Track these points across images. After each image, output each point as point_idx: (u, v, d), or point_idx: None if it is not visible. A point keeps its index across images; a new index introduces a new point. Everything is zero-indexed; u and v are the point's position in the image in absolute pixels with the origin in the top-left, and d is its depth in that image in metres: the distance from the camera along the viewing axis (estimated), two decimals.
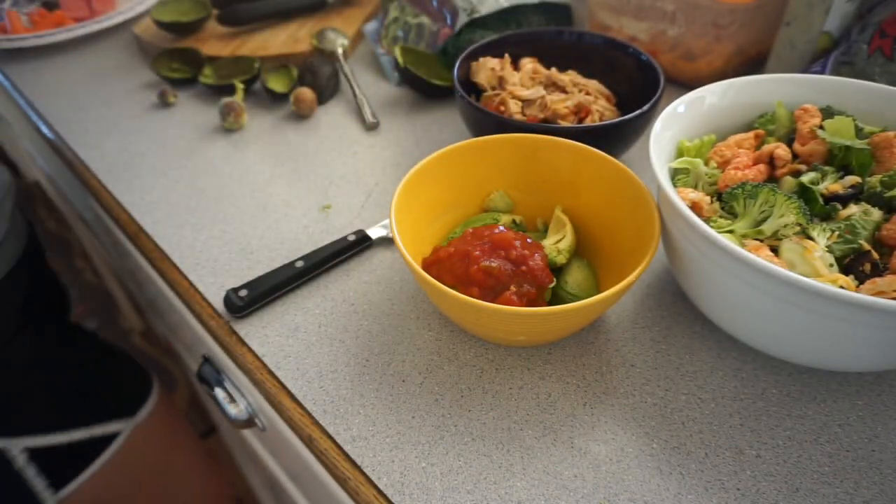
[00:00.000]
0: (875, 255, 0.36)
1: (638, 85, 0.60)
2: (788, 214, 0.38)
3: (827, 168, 0.41)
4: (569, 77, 0.60)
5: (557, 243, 0.45)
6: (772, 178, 0.43)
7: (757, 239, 0.38)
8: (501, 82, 0.60)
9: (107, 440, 0.76)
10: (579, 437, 0.39)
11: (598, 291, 0.45)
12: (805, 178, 0.40)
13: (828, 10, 0.57)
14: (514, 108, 0.57)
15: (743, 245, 0.38)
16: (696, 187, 0.43)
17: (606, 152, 0.46)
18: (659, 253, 0.52)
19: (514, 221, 0.49)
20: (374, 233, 0.52)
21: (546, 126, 0.51)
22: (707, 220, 0.40)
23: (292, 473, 0.76)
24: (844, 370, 0.39)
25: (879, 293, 0.34)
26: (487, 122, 0.54)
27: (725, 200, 0.41)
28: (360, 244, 0.51)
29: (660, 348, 0.44)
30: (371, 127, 0.67)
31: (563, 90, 0.59)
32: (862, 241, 0.37)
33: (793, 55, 0.61)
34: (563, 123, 0.55)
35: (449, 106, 0.71)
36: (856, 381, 0.41)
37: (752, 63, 0.68)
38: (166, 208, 0.58)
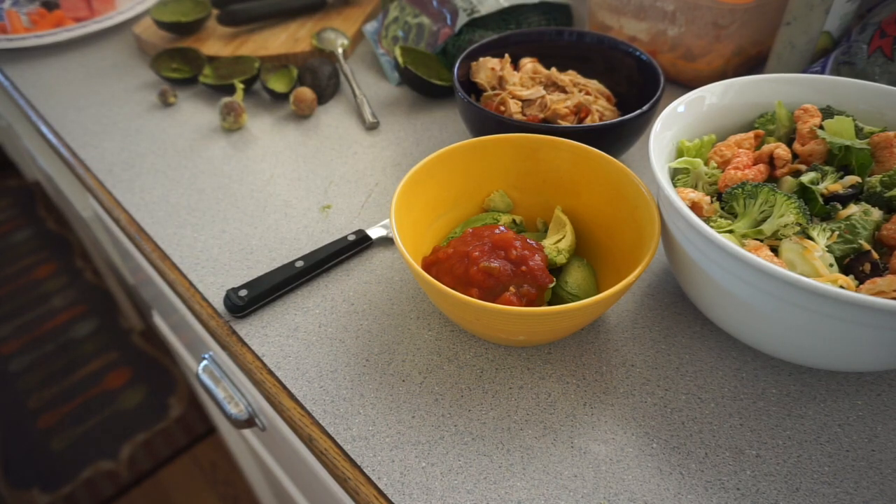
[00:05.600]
0: (875, 255, 0.36)
1: (638, 85, 0.60)
2: (788, 214, 0.38)
3: (827, 168, 0.41)
4: (569, 77, 0.60)
5: (557, 243, 0.45)
6: (772, 178, 0.43)
7: (757, 239, 0.38)
8: (501, 82, 0.60)
9: None
10: (579, 437, 0.39)
11: (598, 291, 0.45)
12: (805, 178, 0.40)
13: (828, 10, 0.57)
14: (514, 108, 0.57)
15: (743, 245, 0.38)
16: (696, 187, 0.43)
17: (606, 152, 0.46)
18: (659, 253, 0.52)
19: (514, 221, 0.49)
20: (374, 233, 0.52)
21: (546, 126, 0.51)
22: (707, 220, 0.40)
23: (292, 473, 0.76)
24: (844, 370, 0.39)
25: (879, 293, 0.34)
26: (487, 122, 0.54)
27: (725, 200, 0.41)
28: (360, 244, 0.51)
29: (660, 348, 0.44)
30: (371, 127, 0.67)
31: (563, 90, 0.59)
32: (862, 241, 0.37)
33: (793, 55, 0.61)
34: (563, 123, 0.55)
35: (449, 106, 0.71)
36: (856, 381, 0.41)
37: (752, 63, 0.68)
38: (166, 208, 0.58)
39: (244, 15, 0.80)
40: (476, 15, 0.70)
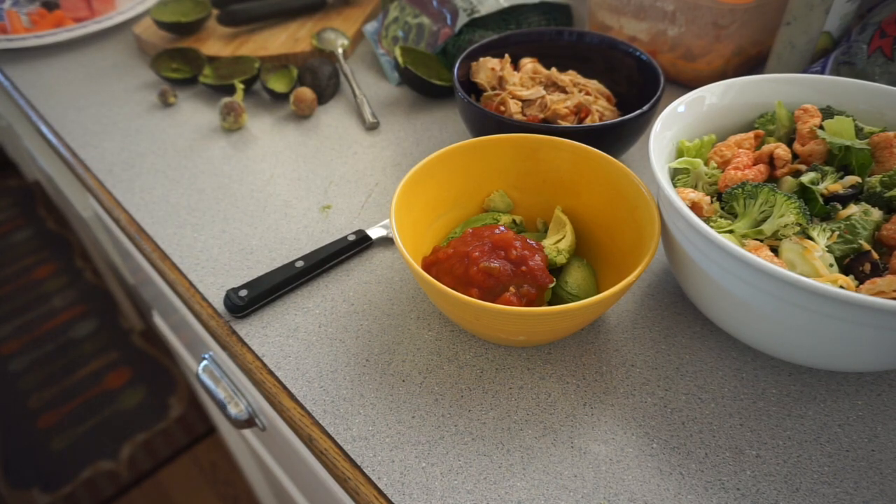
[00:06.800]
0: (875, 255, 0.36)
1: (638, 85, 0.60)
2: (788, 214, 0.38)
3: (827, 168, 0.41)
4: (569, 77, 0.60)
5: (557, 243, 0.45)
6: (772, 178, 0.43)
7: (757, 239, 0.38)
8: (501, 82, 0.60)
9: None
10: (579, 437, 0.39)
11: (598, 291, 0.45)
12: (805, 178, 0.40)
13: (828, 10, 0.57)
14: (514, 108, 0.57)
15: (743, 245, 0.38)
16: (696, 187, 0.43)
17: (606, 152, 0.46)
18: (659, 253, 0.52)
19: (514, 221, 0.49)
20: (374, 233, 0.52)
21: (546, 126, 0.51)
22: (707, 220, 0.40)
23: (292, 473, 0.76)
24: (844, 370, 0.39)
25: (879, 293, 0.34)
26: (487, 122, 0.54)
27: (725, 200, 0.41)
28: (360, 244, 0.51)
29: (660, 348, 0.44)
30: (371, 127, 0.67)
31: (563, 90, 0.59)
32: (862, 241, 0.37)
33: (793, 55, 0.61)
34: (563, 123, 0.55)
35: (449, 106, 0.71)
36: (856, 381, 0.41)
37: (752, 63, 0.68)
38: (166, 208, 0.58)
39: (244, 15, 0.80)
40: (476, 15, 0.70)
